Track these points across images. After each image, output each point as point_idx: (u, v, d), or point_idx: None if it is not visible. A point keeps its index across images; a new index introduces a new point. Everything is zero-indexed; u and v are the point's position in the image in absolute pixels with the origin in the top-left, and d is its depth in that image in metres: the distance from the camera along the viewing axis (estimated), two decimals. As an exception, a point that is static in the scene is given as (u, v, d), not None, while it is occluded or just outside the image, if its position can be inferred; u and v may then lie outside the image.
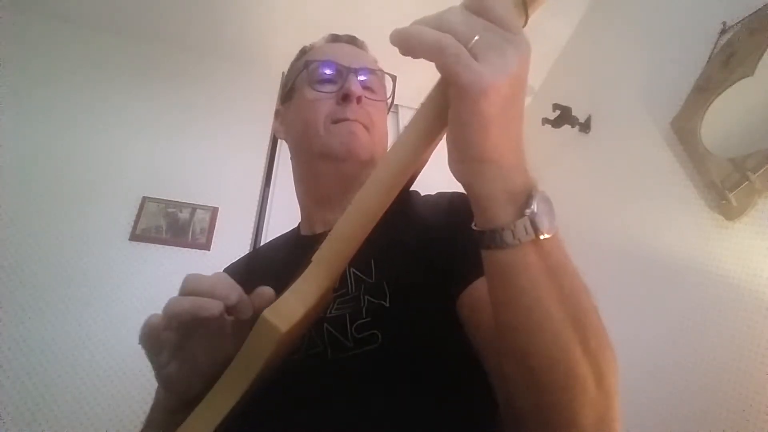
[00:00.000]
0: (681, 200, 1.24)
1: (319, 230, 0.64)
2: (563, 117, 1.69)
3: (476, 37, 0.27)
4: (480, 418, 0.42)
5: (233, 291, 0.37)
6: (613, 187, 1.54)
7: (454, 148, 0.31)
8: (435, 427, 0.41)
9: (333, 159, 0.60)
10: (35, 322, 1.39)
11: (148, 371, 0.39)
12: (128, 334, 1.45)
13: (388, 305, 0.48)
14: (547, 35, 1.93)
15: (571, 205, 1.63)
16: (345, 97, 0.60)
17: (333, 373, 0.46)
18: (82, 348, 1.40)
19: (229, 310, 0.37)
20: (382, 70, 0.68)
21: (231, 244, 1.65)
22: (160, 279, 1.56)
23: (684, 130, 1.26)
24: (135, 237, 1.60)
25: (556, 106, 1.70)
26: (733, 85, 1.15)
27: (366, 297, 0.49)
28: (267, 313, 0.34)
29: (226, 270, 0.69)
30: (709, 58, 1.24)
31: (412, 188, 0.56)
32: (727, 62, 1.17)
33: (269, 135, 1.98)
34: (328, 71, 0.63)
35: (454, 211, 0.53)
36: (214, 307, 0.36)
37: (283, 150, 1.91)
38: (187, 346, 0.38)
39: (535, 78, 2.12)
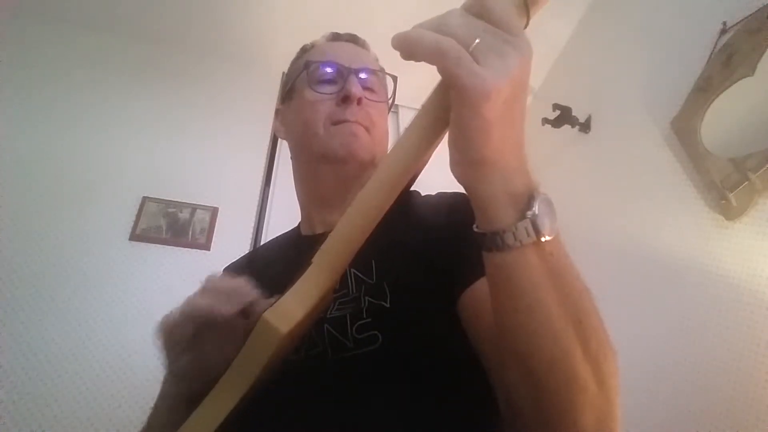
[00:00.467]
0: (681, 200, 1.24)
1: (319, 230, 0.64)
2: (563, 117, 1.69)
3: (477, 40, 0.27)
4: (480, 418, 0.42)
5: (250, 293, 0.40)
6: (613, 187, 1.54)
7: (455, 151, 0.31)
8: (435, 427, 0.41)
9: (333, 161, 0.60)
10: (35, 322, 1.39)
11: (148, 370, 0.40)
12: (128, 333, 1.45)
13: (388, 306, 0.48)
14: (547, 35, 1.93)
15: (571, 205, 1.63)
16: (345, 99, 0.60)
17: (333, 374, 0.46)
18: (82, 348, 1.40)
19: (245, 310, 0.39)
20: (383, 71, 0.68)
21: (231, 244, 1.65)
22: (160, 279, 1.56)
23: (684, 130, 1.26)
24: (135, 237, 1.60)
25: (556, 106, 1.70)
26: (733, 85, 1.15)
27: (366, 298, 0.49)
28: (268, 315, 0.34)
29: (226, 269, 0.69)
30: (709, 58, 1.24)
31: (412, 188, 0.56)
32: (727, 62, 1.17)
33: (269, 135, 1.98)
34: (328, 72, 0.62)
35: (455, 212, 0.53)
36: (231, 307, 0.38)
37: (283, 150, 1.91)
38: (200, 342, 0.39)
39: (535, 78, 2.11)
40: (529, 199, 0.30)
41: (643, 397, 1.16)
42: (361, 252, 0.36)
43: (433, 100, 0.32)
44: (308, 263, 0.37)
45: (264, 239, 1.75)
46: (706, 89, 1.22)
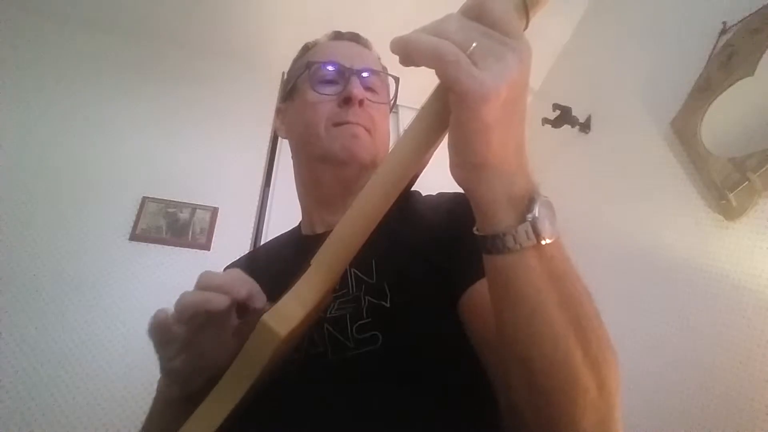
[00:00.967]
0: (681, 200, 1.24)
1: (320, 230, 0.64)
2: (563, 117, 1.69)
3: (475, 44, 0.27)
4: (481, 418, 0.42)
5: (244, 285, 0.39)
6: (613, 187, 1.54)
7: (454, 153, 0.31)
8: (436, 427, 0.41)
9: (334, 162, 0.60)
10: (35, 322, 1.39)
11: (148, 371, 0.39)
12: (128, 333, 1.45)
13: (388, 306, 0.47)
14: (547, 35, 1.93)
15: (571, 205, 1.63)
16: (347, 100, 0.59)
17: (334, 374, 0.46)
18: (82, 348, 1.40)
19: (243, 302, 0.38)
20: (385, 71, 0.67)
21: (231, 244, 1.65)
22: (160, 279, 1.56)
23: (684, 130, 1.26)
24: (135, 237, 1.60)
25: (556, 106, 1.70)
26: (733, 85, 1.15)
27: (367, 297, 0.49)
28: (267, 317, 0.34)
29: (226, 269, 0.69)
30: (709, 58, 1.24)
31: (412, 189, 0.56)
32: (727, 62, 1.17)
33: (269, 135, 1.98)
34: (330, 72, 0.62)
35: (456, 212, 0.53)
36: (222, 301, 0.37)
37: (283, 150, 1.91)
38: (195, 341, 0.39)
39: (535, 78, 2.12)
40: (529, 201, 0.29)
41: (643, 397, 1.16)
42: (361, 252, 0.36)
43: (432, 102, 0.32)
44: (307, 264, 0.37)
45: (264, 239, 1.75)
46: (706, 89, 1.22)
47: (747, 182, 1.04)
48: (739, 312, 1.02)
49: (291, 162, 0.70)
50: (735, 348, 1.00)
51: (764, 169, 1.01)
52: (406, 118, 2.08)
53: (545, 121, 1.71)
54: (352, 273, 0.52)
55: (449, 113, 0.29)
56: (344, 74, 0.62)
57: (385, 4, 1.83)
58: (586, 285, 0.33)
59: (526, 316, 0.31)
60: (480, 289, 0.43)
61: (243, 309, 0.41)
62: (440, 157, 0.36)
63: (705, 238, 1.15)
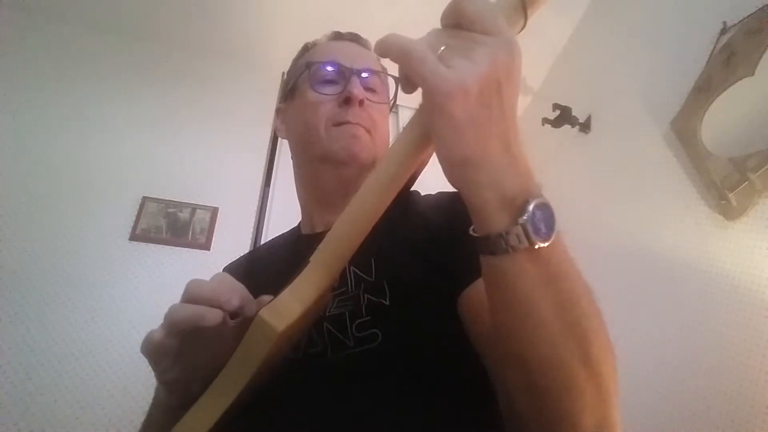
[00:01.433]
0: (681, 200, 1.24)
1: (319, 230, 0.64)
2: (563, 117, 1.69)
3: (443, 46, 0.29)
4: (480, 417, 0.42)
5: (235, 294, 0.38)
6: (613, 187, 1.54)
7: (437, 151, 0.31)
8: (435, 426, 0.41)
9: (334, 162, 0.60)
10: (35, 322, 1.39)
11: (148, 371, 0.39)
12: (128, 333, 1.45)
13: (388, 304, 0.48)
14: (547, 35, 1.93)
15: (571, 205, 1.63)
16: (347, 100, 0.59)
17: (333, 372, 0.46)
18: (82, 348, 1.40)
19: (234, 311, 0.38)
20: (385, 71, 0.67)
21: (231, 244, 1.65)
22: (160, 279, 1.56)
23: (684, 130, 1.26)
24: (135, 237, 1.60)
25: (556, 106, 1.70)
26: (733, 85, 1.15)
27: (366, 295, 0.49)
28: (264, 313, 0.34)
29: (225, 269, 0.69)
30: (709, 58, 1.24)
31: (412, 188, 0.56)
32: (727, 62, 1.17)
33: (269, 135, 1.98)
34: (330, 72, 0.62)
35: (455, 211, 0.52)
36: (214, 316, 0.36)
37: (283, 150, 1.91)
38: (189, 352, 0.38)
39: (535, 78, 2.12)
40: (523, 203, 0.28)
41: (643, 397, 1.15)
42: (360, 250, 0.36)
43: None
44: (306, 262, 0.37)
45: (264, 239, 1.75)
46: (706, 89, 1.22)
47: (747, 182, 1.04)
48: (739, 312, 1.02)
49: (291, 162, 0.70)
50: (735, 348, 1.00)
51: (764, 169, 1.01)
52: (406, 118, 2.08)
53: (545, 121, 1.71)
54: (352, 271, 0.52)
55: None
56: (344, 74, 0.62)
57: (385, 4, 1.83)
58: (588, 284, 0.32)
59: (521, 318, 0.31)
60: (479, 287, 0.43)
61: (232, 315, 0.40)
62: (439, 157, 0.36)
63: (705, 238, 1.15)
